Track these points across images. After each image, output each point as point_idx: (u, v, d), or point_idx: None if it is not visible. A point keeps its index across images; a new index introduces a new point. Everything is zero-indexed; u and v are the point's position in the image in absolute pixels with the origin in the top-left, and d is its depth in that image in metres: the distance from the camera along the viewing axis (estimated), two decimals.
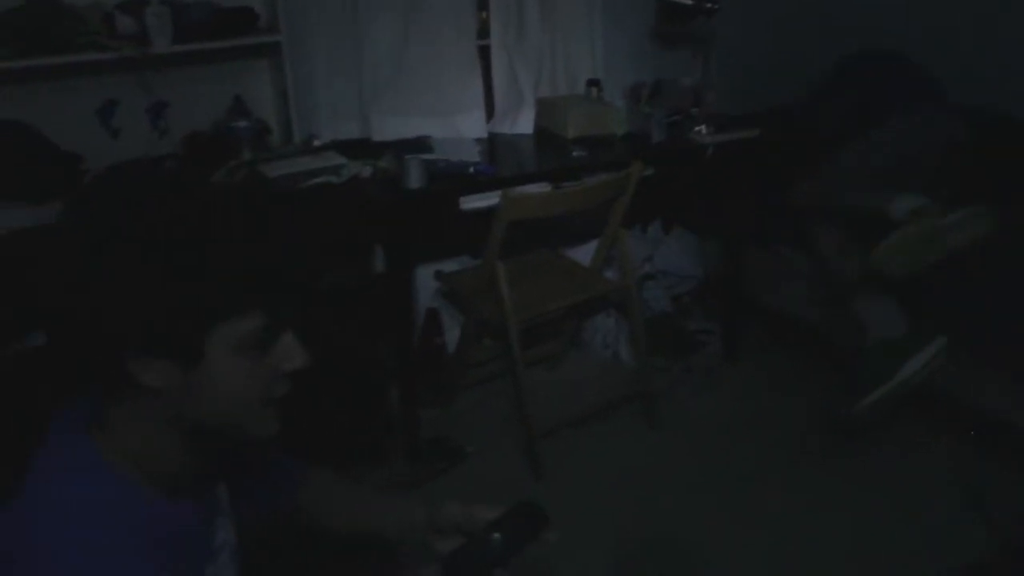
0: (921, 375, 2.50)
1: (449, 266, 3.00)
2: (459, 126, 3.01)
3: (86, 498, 0.93)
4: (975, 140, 2.62)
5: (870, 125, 2.69)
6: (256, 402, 0.99)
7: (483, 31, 3.08)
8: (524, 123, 3.10)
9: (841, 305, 2.73)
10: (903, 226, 2.41)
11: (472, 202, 2.54)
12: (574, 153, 2.82)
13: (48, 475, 0.96)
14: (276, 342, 0.98)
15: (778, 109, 3.11)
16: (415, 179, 2.48)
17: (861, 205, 2.55)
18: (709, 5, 2.90)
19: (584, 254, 2.98)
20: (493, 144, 3.02)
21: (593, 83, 3.10)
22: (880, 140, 2.66)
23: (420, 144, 2.81)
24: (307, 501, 1.35)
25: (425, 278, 3.04)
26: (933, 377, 2.51)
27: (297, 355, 0.99)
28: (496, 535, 1.09)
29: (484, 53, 3.09)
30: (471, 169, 2.62)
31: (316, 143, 2.74)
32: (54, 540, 0.90)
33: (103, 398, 0.98)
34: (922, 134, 2.66)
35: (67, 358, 0.96)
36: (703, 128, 2.94)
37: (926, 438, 2.74)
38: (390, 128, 2.93)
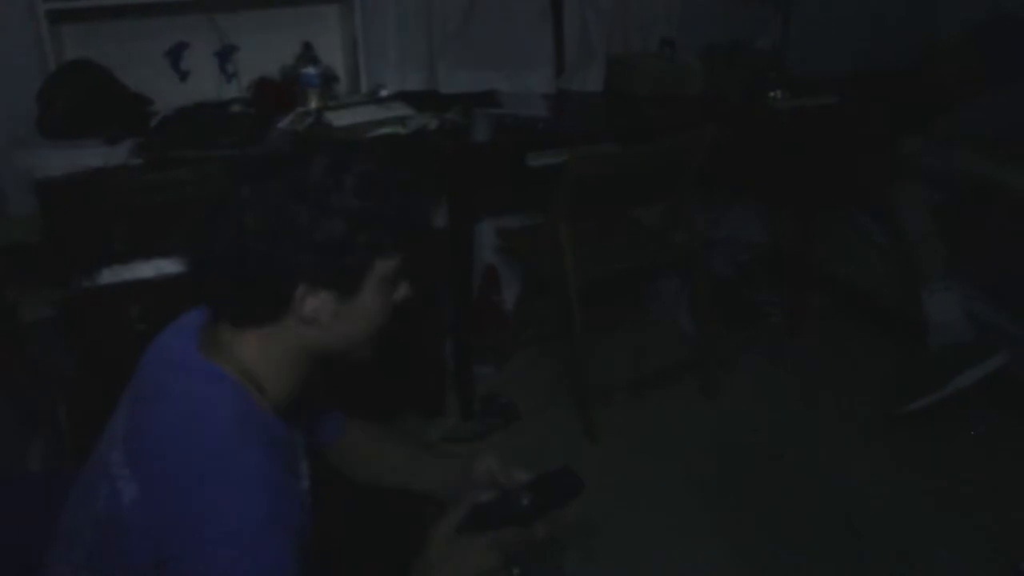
0: (973, 389, 2.44)
1: (512, 223, 2.96)
2: (528, 81, 2.95)
3: (211, 397, 1.05)
4: None
5: (996, 89, 2.57)
6: (377, 331, 1.15)
7: None
8: (595, 80, 3.03)
9: (912, 292, 2.64)
10: None
11: (539, 159, 2.49)
12: (645, 113, 2.76)
13: (176, 381, 1.07)
14: (402, 279, 1.15)
15: (871, 72, 3.01)
16: (482, 132, 2.45)
17: (982, 173, 2.42)
18: None
19: (651, 216, 2.91)
20: (562, 100, 2.95)
21: (668, 42, 3.02)
22: (1006, 103, 2.53)
23: (488, 98, 2.77)
24: (345, 449, 1.44)
25: (487, 234, 3.01)
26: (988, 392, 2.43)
27: (406, 289, 1.17)
28: (526, 498, 1.13)
29: (556, 7, 3.01)
30: (539, 125, 2.57)
31: (383, 93, 2.71)
32: (185, 434, 1.01)
33: (235, 322, 1.09)
34: None
35: (236, 287, 1.06)
36: (779, 92, 2.84)
37: (1001, 426, 2.63)
38: (458, 80, 2.88)
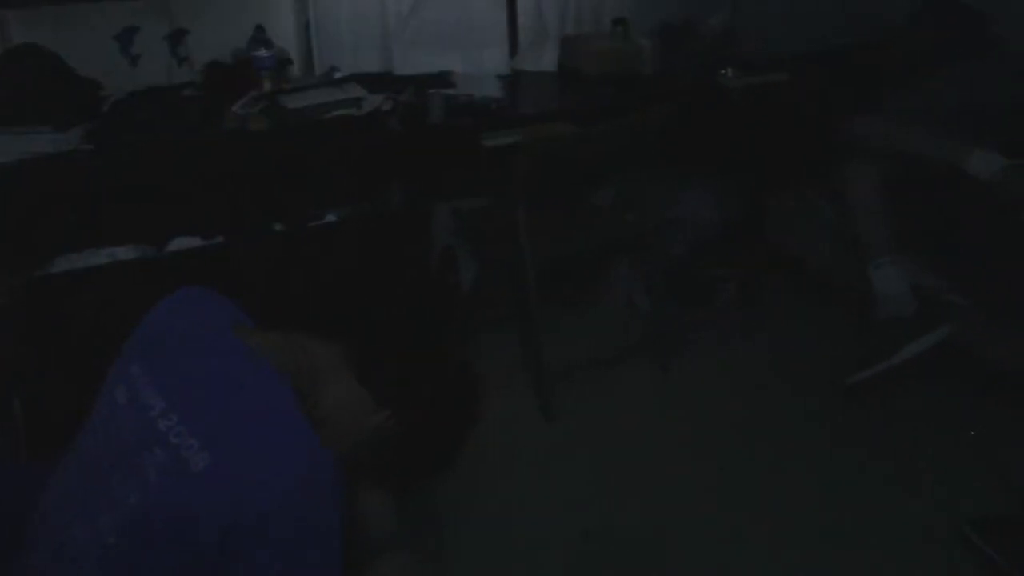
0: (918, 359, 2.54)
1: (468, 204, 2.97)
2: (482, 62, 2.96)
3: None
4: None
5: (939, 69, 2.62)
6: None
7: None
8: (548, 60, 3.05)
9: (860, 267, 2.71)
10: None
11: (494, 138, 2.51)
12: (598, 92, 2.78)
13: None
14: None
15: (821, 51, 3.09)
16: (437, 113, 2.46)
17: (930, 154, 2.47)
18: None
19: (605, 196, 2.94)
20: (516, 81, 2.97)
21: (619, 21, 3.04)
22: (951, 82, 2.58)
23: (442, 79, 2.77)
24: None
25: (443, 216, 3.01)
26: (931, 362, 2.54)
27: None
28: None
29: None
30: (494, 105, 2.58)
31: (337, 75, 2.71)
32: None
33: None
34: (994, 80, 2.58)
35: None
36: (730, 70, 2.88)
37: (942, 395, 2.71)
38: (412, 62, 2.89)
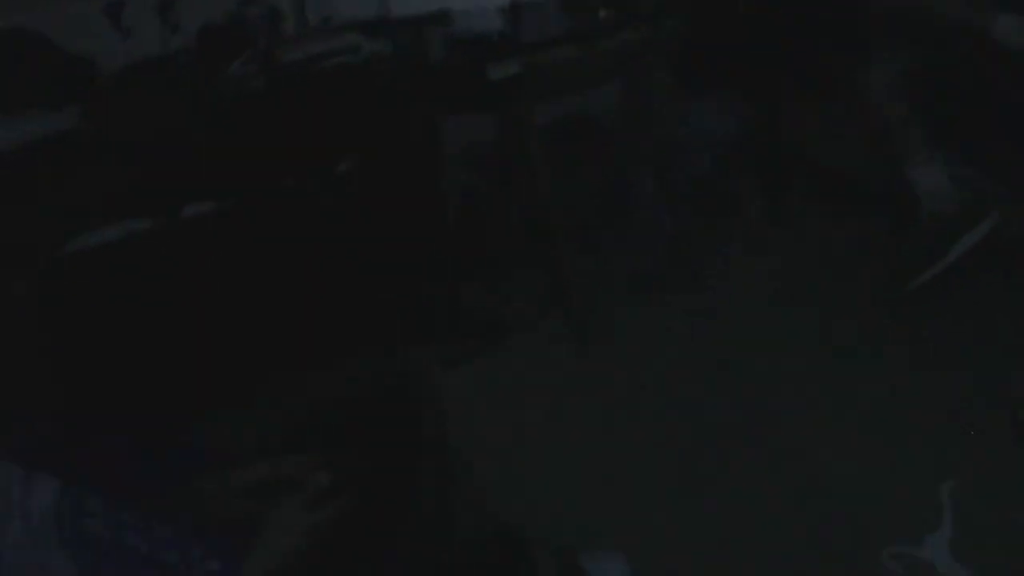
0: (973, 253, 2.42)
1: (482, 137, 2.90)
2: None
3: None
4: None
5: None
6: None
7: None
8: None
9: (894, 168, 2.60)
10: None
11: (500, 70, 2.44)
12: (602, 12, 2.68)
13: None
14: None
15: None
16: (438, 52, 2.39)
17: (956, 15, 2.33)
18: None
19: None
20: (517, 10, 2.88)
21: None
22: None
23: (440, 17, 2.69)
24: None
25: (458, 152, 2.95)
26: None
27: None
28: None
29: None
30: (496, 37, 2.51)
31: (332, 24, 2.64)
32: None
33: None
34: None
35: None
36: None
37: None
38: (409, 2, 2.80)
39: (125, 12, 2.53)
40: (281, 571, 1.08)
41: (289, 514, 1.13)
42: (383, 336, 2.54)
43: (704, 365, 2.49)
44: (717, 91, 3.36)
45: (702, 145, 3.27)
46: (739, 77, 3.23)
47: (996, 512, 1.92)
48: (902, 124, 2.53)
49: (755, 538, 1.95)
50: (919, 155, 2.51)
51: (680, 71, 2.60)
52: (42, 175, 2.06)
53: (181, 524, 1.08)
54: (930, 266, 2.49)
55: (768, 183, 3.17)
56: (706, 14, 2.77)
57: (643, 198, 3.18)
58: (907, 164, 2.54)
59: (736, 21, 2.79)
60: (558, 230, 2.49)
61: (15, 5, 2.33)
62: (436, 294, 2.68)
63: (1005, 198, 2.51)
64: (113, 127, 2.15)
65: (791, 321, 2.63)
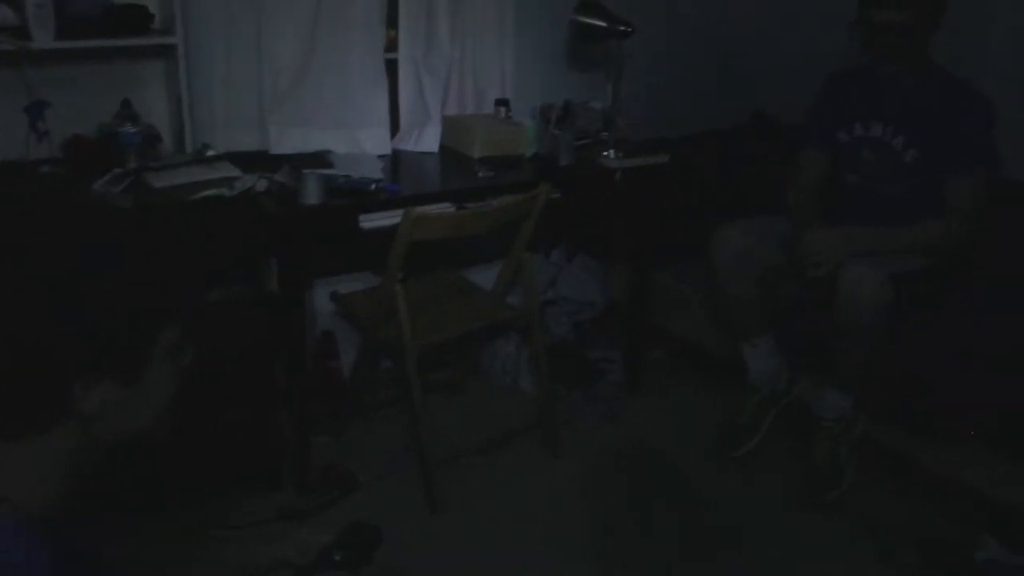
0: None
1: (347, 286, 2.88)
2: (362, 141, 2.89)
3: None
4: None
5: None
6: (170, 405, 1.01)
7: (391, 44, 2.98)
8: (429, 141, 3.01)
9: (733, 344, 2.84)
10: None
11: (372, 220, 2.44)
12: (480, 173, 2.75)
13: None
14: (186, 343, 1.00)
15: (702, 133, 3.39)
16: (312, 195, 2.37)
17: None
18: (622, 28, 2.86)
19: (487, 278, 2.90)
20: (397, 161, 2.92)
21: (502, 102, 3.04)
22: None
23: (320, 159, 2.69)
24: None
25: (321, 298, 2.92)
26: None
27: (191, 351, 1.01)
28: (338, 555, 1.30)
29: (391, 67, 2.98)
30: (372, 186, 2.52)
31: (210, 153, 2.59)
32: None
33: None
34: None
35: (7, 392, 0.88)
36: (612, 152, 2.90)
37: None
38: (289, 141, 2.80)
39: None
40: None
41: None
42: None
43: (550, 522, 2.49)
44: (584, 258, 3.48)
45: (566, 311, 3.35)
46: (605, 246, 3.36)
47: None
48: (744, 311, 2.74)
49: None
50: (757, 339, 2.76)
51: (550, 237, 2.68)
52: None
53: None
54: (750, 440, 2.80)
55: (627, 351, 3.25)
56: (580, 184, 2.87)
57: (507, 360, 3.21)
58: (745, 344, 2.79)
59: (608, 193, 2.91)
60: (415, 385, 2.46)
61: None
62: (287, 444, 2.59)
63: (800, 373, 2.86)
64: None
65: (640, 476, 2.70)
